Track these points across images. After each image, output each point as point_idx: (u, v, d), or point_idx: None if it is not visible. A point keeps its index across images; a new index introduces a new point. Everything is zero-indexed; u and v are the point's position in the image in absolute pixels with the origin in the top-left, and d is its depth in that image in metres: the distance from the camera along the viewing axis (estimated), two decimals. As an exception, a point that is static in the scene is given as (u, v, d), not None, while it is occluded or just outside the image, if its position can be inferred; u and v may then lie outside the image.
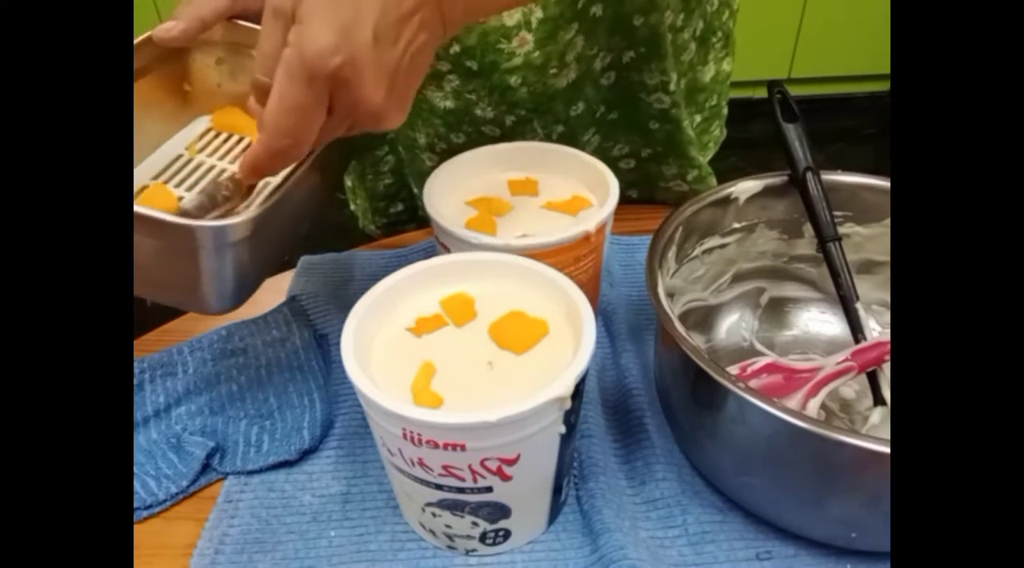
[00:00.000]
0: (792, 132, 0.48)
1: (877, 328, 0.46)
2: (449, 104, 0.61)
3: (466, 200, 0.52)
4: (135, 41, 0.47)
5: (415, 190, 0.72)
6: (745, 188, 0.49)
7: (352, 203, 0.81)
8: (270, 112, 0.34)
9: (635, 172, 0.69)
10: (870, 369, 0.44)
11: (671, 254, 0.46)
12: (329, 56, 0.32)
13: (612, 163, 0.67)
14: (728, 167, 0.71)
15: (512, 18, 0.55)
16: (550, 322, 0.40)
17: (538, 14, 0.55)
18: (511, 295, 0.42)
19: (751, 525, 0.42)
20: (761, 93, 0.51)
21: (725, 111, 0.72)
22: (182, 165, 0.51)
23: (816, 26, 2.01)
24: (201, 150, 0.53)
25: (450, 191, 0.53)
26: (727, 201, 0.49)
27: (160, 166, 0.51)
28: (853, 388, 0.48)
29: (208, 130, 0.55)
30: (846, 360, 0.43)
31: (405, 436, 0.35)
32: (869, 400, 0.45)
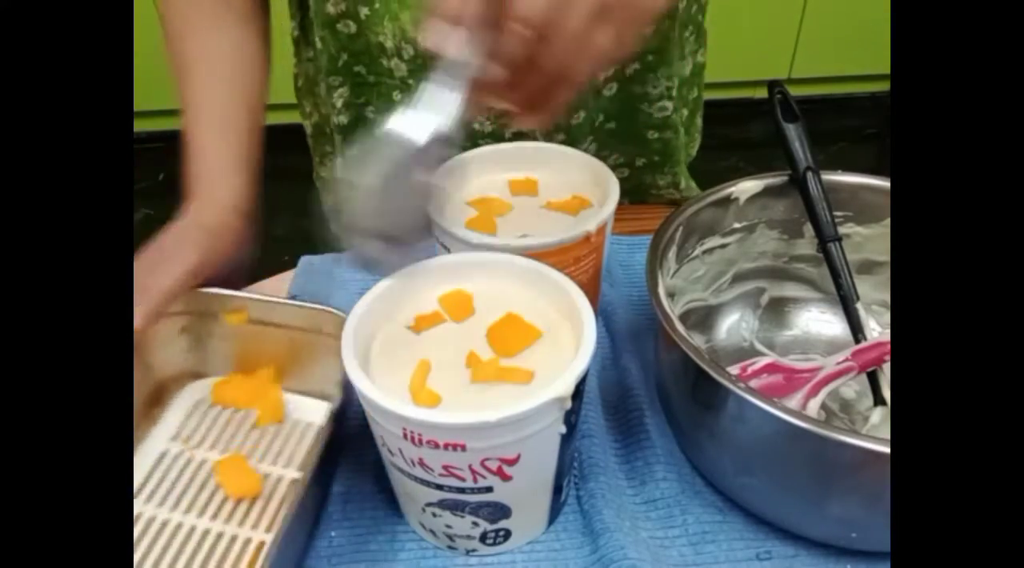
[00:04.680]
0: (792, 132, 0.48)
1: (877, 328, 0.46)
2: None
3: (466, 200, 0.52)
4: None
5: None
6: (745, 188, 0.49)
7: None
8: None
9: (628, 181, 0.69)
10: (870, 369, 0.44)
11: (671, 254, 0.46)
12: None
13: None
14: (728, 167, 0.72)
15: None
16: (549, 323, 0.40)
17: None
18: (510, 295, 0.42)
19: (751, 525, 0.42)
20: (761, 93, 0.51)
21: (702, 102, 0.72)
22: (171, 464, 0.45)
23: (816, 26, 2.01)
24: (189, 438, 0.46)
25: (450, 191, 0.53)
26: (727, 201, 0.49)
27: (147, 467, 0.45)
28: (853, 388, 0.48)
29: (197, 406, 0.48)
30: (846, 360, 0.43)
31: (405, 436, 0.35)
32: (869, 400, 0.45)
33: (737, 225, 0.50)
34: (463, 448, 0.34)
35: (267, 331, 0.46)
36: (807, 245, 0.51)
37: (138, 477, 0.44)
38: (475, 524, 0.39)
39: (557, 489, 0.41)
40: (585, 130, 0.64)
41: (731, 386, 0.36)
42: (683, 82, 0.65)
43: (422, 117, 0.35)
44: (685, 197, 0.69)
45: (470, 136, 0.62)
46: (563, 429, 0.37)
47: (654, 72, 0.61)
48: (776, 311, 0.54)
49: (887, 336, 0.44)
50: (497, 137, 0.61)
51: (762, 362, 0.44)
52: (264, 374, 0.49)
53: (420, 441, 0.34)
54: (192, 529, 0.42)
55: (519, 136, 0.61)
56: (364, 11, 0.57)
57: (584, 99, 0.61)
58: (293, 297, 0.57)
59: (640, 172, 0.68)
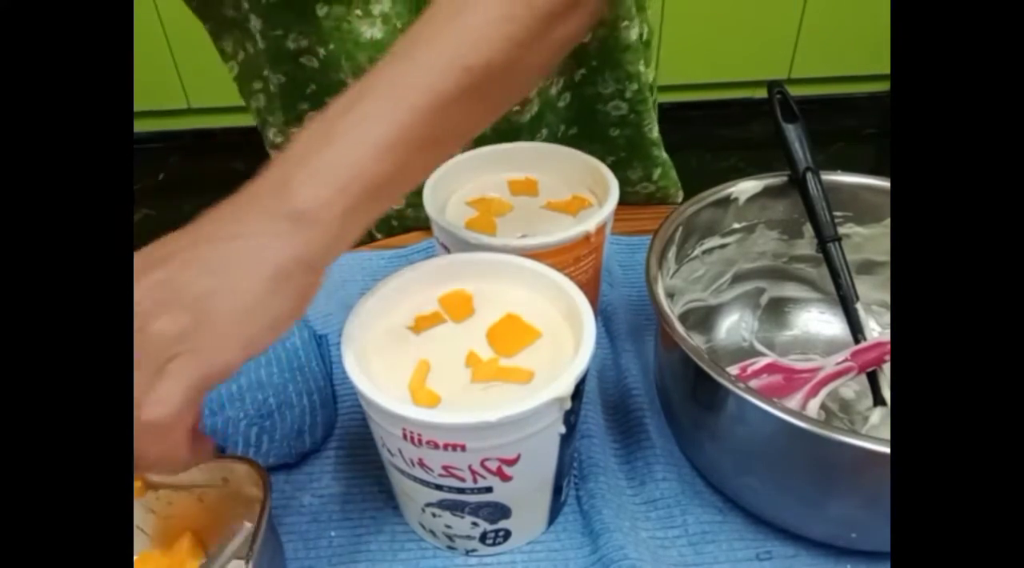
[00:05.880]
0: (792, 132, 0.49)
1: (877, 328, 0.46)
2: None
3: (466, 200, 0.52)
4: None
5: (377, 236, 0.70)
6: (745, 188, 0.49)
7: None
8: None
9: None
10: (870, 369, 0.44)
11: (671, 254, 0.46)
12: None
13: None
14: (728, 167, 0.71)
15: None
16: (549, 323, 0.40)
17: None
18: (510, 295, 0.42)
19: (751, 525, 0.42)
20: (761, 93, 0.51)
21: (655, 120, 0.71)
22: None
23: (816, 26, 2.01)
24: None
25: (450, 191, 0.53)
26: (727, 201, 0.49)
27: None
28: (853, 388, 0.48)
29: None
30: (846, 360, 0.43)
31: (405, 436, 0.35)
32: (869, 400, 0.45)
33: (737, 225, 0.50)
34: (463, 448, 0.34)
35: (174, 495, 0.40)
36: (807, 245, 0.51)
37: None
38: (475, 524, 0.39)
39: (557, 489, 0.41)
40: (551, 143, 0.64)
41: (731, 386, 0.36)
42: (640, 93, 0.65)
43: None
44: (662, 187, 0.69)
45: None
46: (563, 429, 0.37)
47: (601, 74, 0.61)
48: (776, 311, 0.54)
49: (887, 336, 0.44)
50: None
51: (762, 362, 0.44)
52: (182, 545, 0.41)
53: (420, 441, 0.34)
54: None
55: (479, 142, 0.61)
56: (322, 51, 0.57)
57: (543, 116, 0.62)
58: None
59: (611, 169, 0.68)
